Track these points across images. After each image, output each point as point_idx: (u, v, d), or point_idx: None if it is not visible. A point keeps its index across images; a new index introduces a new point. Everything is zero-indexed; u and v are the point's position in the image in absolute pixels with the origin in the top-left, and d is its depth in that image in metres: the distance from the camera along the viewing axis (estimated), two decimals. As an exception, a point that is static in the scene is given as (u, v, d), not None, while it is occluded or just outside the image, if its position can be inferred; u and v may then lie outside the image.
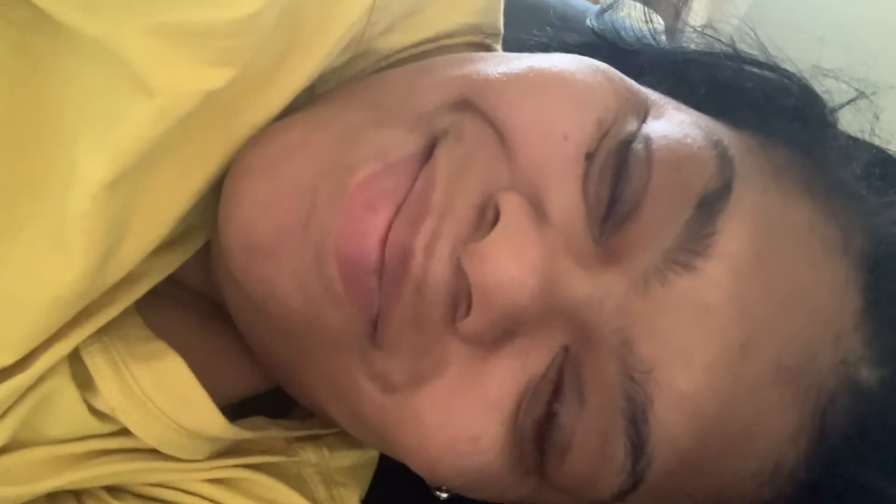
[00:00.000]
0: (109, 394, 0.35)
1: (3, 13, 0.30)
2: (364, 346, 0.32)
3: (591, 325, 0.31)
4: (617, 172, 0.32)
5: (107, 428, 0.36)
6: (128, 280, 0.34)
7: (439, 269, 0.31)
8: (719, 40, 0.42)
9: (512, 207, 0.31)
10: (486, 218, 0.31)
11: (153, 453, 0.37)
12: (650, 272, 0.31)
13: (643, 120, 0.34)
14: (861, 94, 0.40)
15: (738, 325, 0.31)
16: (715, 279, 0.31)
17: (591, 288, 0.31)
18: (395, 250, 0.31)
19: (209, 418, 0.36)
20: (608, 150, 0.32)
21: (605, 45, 0.43)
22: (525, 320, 0.31)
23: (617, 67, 0.36)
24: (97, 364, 0.35)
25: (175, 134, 0.30)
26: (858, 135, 0.40)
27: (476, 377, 0.32)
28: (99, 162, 0.29)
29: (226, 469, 0.40)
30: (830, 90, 0.40)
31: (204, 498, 0.39)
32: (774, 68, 0.40)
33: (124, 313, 0.35)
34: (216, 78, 0.29)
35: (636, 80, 0.36)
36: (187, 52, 0.28)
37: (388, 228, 0.31)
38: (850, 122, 0.40)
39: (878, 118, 0.40)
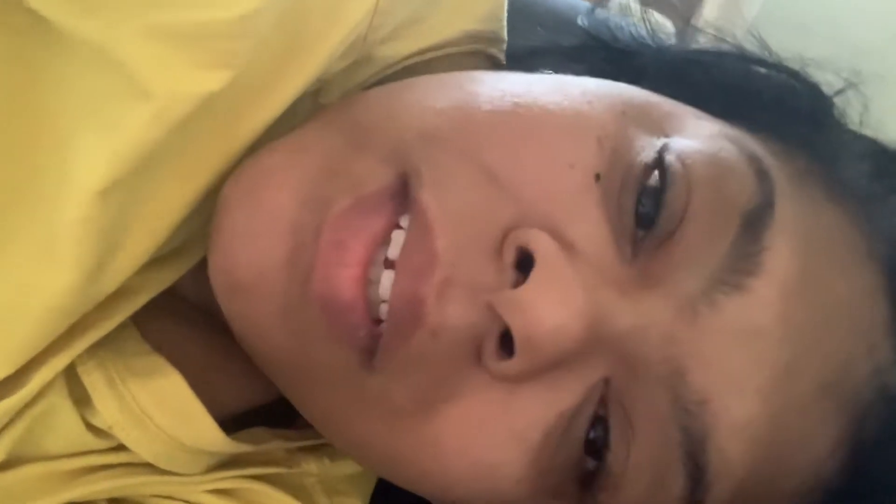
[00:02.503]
0: (107, 411, 0.34)
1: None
2: (359, 375, 0.31)
3: (635, 354, 0.30)
4: (645, 189, 0.31)
5: (105, 444, 0.36)
6: (124, 293, 0.33)
7: (458, 315, 0.29)
8: (724, 40, 0.41)
9: (544, 247, 0.29)
10: (506, 261, 0.30)
11: (153, 467, 0.37)
12: (696, 296, 0.30)
13: (664, 132, 0.33)
14: (850, 85, 0.39)
15: (786, 345, 0.31)
16: (765, 299, 0.30)
17: (633, 317, 0.30)
18: (401, 300, 0.29)
19: (208, 434, 0.36)
20: (625, 166, 0.31)
21: (600, 47, 0.41)
22: (569, 360, 0.30)
23: (614, 69, 0.35)
24: (94, 381, 0.34)
25: (173, 139, 0.29)
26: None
27: (501, 407, 0.31)
28: (93, 168, 0.28)
29: (227, 480, 0.39)
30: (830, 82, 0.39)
31: None
32: (782, 68, 0.39)
33: (121, 327, 0.34)
34: (214, 80, 0.28)
35: (635, 83, 0.35)
36: (184, 55, 0.28)
37: (363, 266, 0.30)
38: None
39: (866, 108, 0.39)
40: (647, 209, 0.31)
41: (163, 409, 0.35)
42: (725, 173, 0.31)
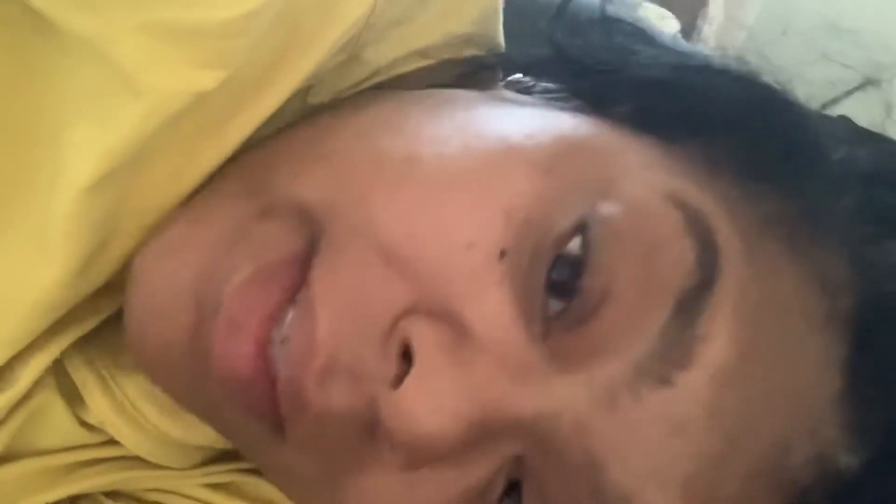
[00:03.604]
0: (97, 408, 0.35)
1: None
2: (275, 442, 0.30)
3: (548, 439, 0.29)
4: (561, 258, 0.29)
5: (98, 438, 0.36)
6: (111, 288, 0.33)
7: (342, 402, 0.28)
8: (696, 54, 0.38)
9: (424, 341, 0.28)
10: (391, 352, 0.28)
11: (147, 461, 0.37)
12: (617, 385, 0.28)
13: (601, 190, 0.30)
14: (869, 82, 0.37)
15: (714, 437, 0.28)
16: (693, 392, 0.28)
17: (539, 403, 0.28)
18: (284, 385, 0.29)
19: (199, 428, 0.35)
20: (539, 236, 0.29)
21: (569, 62, 0.38)
22: (460, 450, 0.29)
23: (580, 86, 0.34)
24: (83, 377, 0.34)
25: (164, 135, 0.29)
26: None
27: (404, 485, 0.30)
28: (85, 162, 0.28)
29: (221, 475, 0.39)
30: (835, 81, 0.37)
31: (202, 501, 0.39)
32: (757, 84, 0.35)
33: (109, 321, 0.34)
34: (208, 79, 0.28)
35: (600, 99, 0.34)
36: (178, 52, 0.28)
37: (259, 344, 0.29)
38: (859, 115, 0.37)
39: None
40: (563, 278, 0.29)
41: (153, 404, 0.35)
42: (659, 246, 0.29)
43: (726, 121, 0.33)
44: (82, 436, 0.36)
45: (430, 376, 0.27)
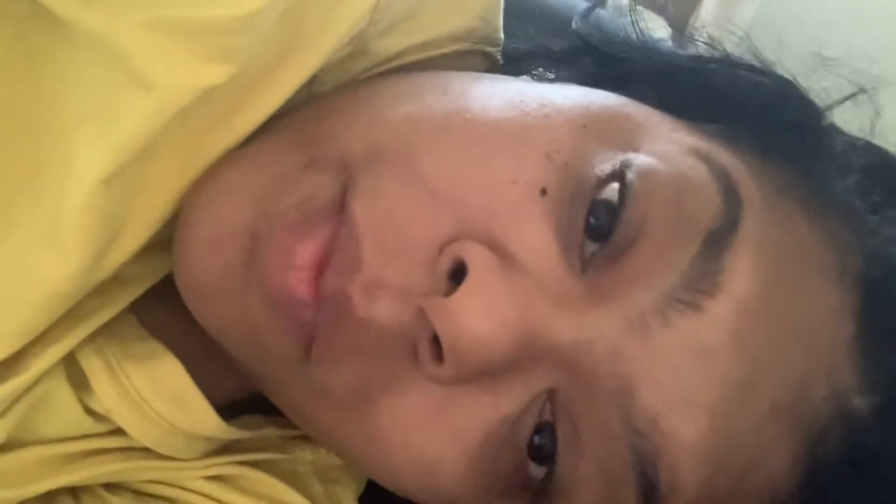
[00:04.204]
0: (105, 395, 0.35)
1: (1, 8, 0.30)
2: (303, 367, 0.32)
3: (581, 367, 0.30)
4: (598, 203, 0.31)
5: (103, 427, 0.36)
6: (123, 281, 0.34)
7: (387, 313, 0.30)
8: (713, 46, 0.40)
9: (476, 258, 0.29)
10: (440, 270, 0.30)
11: (150, 452, 0.37)
12: (649, 312, 0.30)
13: (631, 146, 0.32)
14: (861, 90, 0.39)
15: (739, 364, 0.30)
16: (720, 319, 0.30)
17: (575, 330, 0.30)
18: (330, 297, 0.30)
19: (205, 419, 0.36)
20: (578, 180, 0.31)
21: (590, 51, 0.41)
22: (502, 368, 0.30)
23: (603, 73, 0.35)
24: (92, 365, 0.35)
25: (173, 129, 0.30)
26: (858, 133, 0.39)
27: (440, 406, 0.31)
28: (95, 157, 0.29)
29: (222, 466, 0.40)
30: (828, 88, 0.39)
31: (201, 494, 0.40)
32: (770, 74, 0.39)
33: (119, 314, 0.35)
34: (215, 75, 0.29)
35: (623, 89, 0.35)
36: (187, 48, 0.28)
37: (314, 268, 0.30)
38: (849, 122, 0.39)
39: (879, 115, 0.39)
40: (600, 223, 0.31)
41: (160, 394, 0.35)
42: (689, 191, 0.31)
43: (746, 105, 0.36)
44: (87, 425, 0.36)
45: (485, 285, 0.29)
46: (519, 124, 0.32)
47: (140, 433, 0.36)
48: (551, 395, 0.31)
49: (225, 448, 0.40)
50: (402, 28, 0.37)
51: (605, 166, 0.31)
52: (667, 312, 0.30)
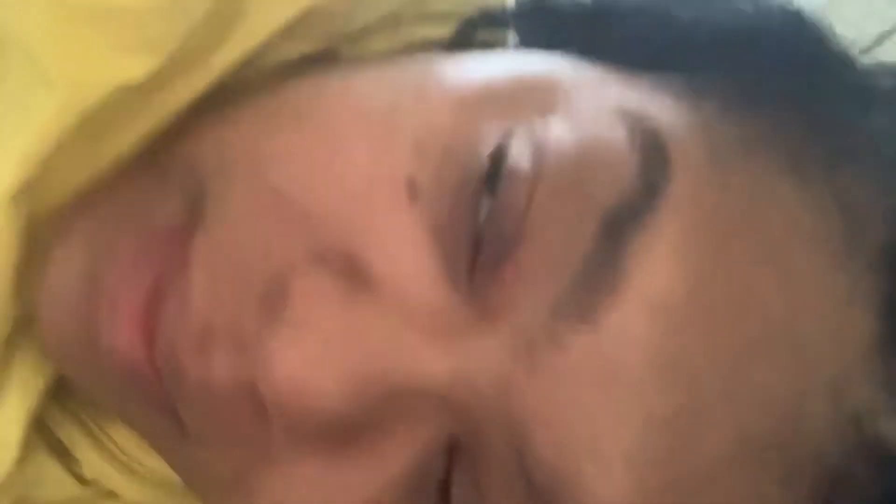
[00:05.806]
0: (89, 461, 0.33)
1: None
2: (187, 446, 0.27)
3: (468, 409, 0.24)
4: (486, 194, 0.24)
5: (98, 490, 0.35)
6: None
7: (224, 371, 0.24)
8: None
9: (300, 292, 0.24)
10: (269, 305, 0.24)
11: None
12: (537, 332, 0.23)
13: (543, 113, 0.26)
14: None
15: (670, 390, 0.23)
16: (624, 331, 0.23)
17: (448, 363, 0.24)
18: (164, 352, 0.25)
19: None
20: (461, 168, 0.25)
21: (529, 10, 0.35)
22: (365, 421, 0.24)
23: (544, 32, 0.31)
24: (68, 433, 0.33)
25: (86, 129, 0.26)
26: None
27: (318, 477, 0.25)
28: (6, 169, 0.25)
29: None
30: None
31: None
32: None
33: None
34: (134, 67, 0.25)
35: (566, 44, 0.30)
36: (97, 35, 0.25)
37: (142, 318, 0.25)
38: None
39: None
40: (482, 218, 0.25)
41: (147, 449, 0.33)
42: (592, 164, 0.24)
43: (715, 43, 0.30)
44: (82, 492, 0.34)
45: (309, 325, 0.23)
46: (383, 110, 0.26)
47: (132, 494, 0.34)
48: (453, 443, 0.25)
49: None
50: (378, 28, 0.32)
51: (487, 144, 0.25)
52: (556, 329, 0.23)
